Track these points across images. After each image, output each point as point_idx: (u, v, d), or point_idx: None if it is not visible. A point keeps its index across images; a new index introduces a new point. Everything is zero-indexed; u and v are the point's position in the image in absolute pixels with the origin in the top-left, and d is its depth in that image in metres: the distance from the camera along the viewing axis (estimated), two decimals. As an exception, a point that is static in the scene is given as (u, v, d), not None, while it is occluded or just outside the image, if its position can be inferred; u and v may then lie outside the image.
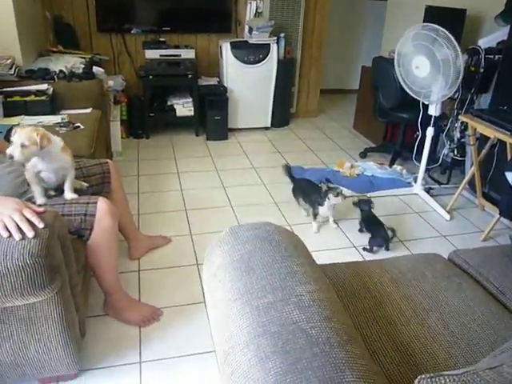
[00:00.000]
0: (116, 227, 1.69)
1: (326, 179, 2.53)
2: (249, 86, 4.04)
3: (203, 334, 1.79)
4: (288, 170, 2.79)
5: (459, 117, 2.76)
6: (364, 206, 2.54)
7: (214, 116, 3.91)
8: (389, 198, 3.08)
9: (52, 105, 2.83)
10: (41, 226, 1.23)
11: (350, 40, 5.74)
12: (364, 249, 2.43)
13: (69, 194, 1.67)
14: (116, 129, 3.39)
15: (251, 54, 3.92)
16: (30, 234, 1.20)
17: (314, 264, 1.12)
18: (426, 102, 2.86)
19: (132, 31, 3.92)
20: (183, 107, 3.97)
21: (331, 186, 2.47)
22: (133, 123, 3.93)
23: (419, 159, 3.11)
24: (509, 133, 2.29)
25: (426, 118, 3.01)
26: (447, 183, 3.26)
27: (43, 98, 2.79)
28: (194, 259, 2.29)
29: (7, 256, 1.15)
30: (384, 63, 3.26)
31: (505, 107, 2.60)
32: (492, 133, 2.38)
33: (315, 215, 2.55)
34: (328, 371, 0.77)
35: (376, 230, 2.43)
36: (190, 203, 2.86)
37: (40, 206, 1.51)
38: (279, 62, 4.03)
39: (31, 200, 1.61)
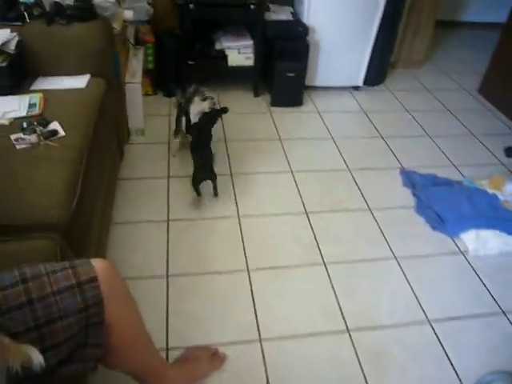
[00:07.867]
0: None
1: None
2: (341, 23, 2.61)
3: None
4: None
5: None
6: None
7: (285, 71, 2.55)
8: None
9: (14, 73, 1.59)
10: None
11: None
12: None
13: None
14: (136, 95, 2.12)
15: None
16: None
17: None
18: None
19: None
20: (238, 53, 2.62)
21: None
22: (162, 74, 2.63)
23: None
24: None
25: None
26: None
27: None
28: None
29: None
30: None
31: None
32: None
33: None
34: None
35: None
36: (255, 253, 1.69)
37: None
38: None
39: None
